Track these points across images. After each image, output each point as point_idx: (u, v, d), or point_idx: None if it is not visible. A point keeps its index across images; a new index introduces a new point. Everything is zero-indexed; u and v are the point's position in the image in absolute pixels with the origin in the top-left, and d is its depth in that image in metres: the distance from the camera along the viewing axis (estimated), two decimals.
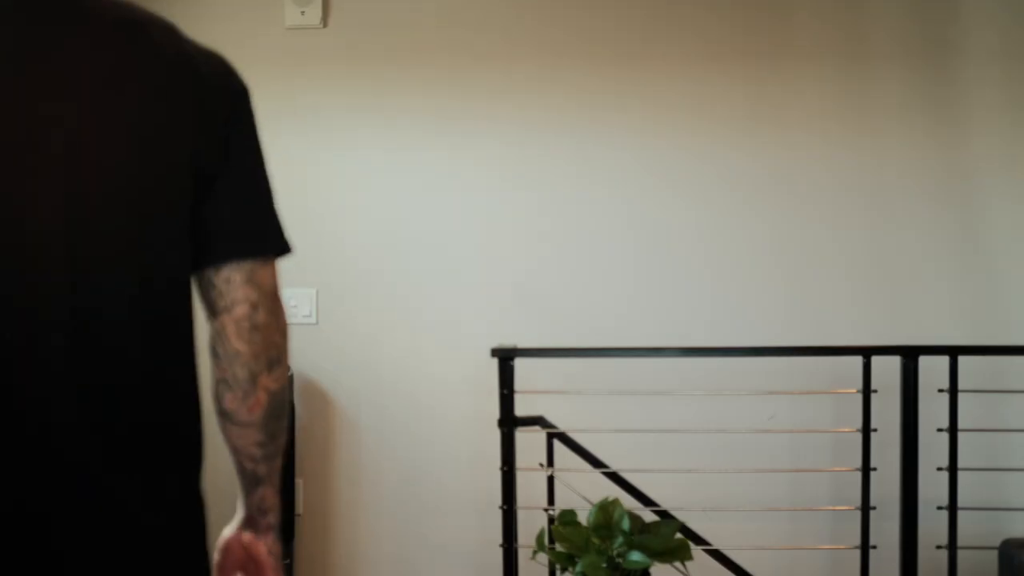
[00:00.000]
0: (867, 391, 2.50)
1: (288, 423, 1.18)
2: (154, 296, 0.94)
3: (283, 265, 3.04)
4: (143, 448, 0.93)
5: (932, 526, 2.57)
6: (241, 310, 1.05)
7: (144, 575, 0.93)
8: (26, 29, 0.89)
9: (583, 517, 2.46)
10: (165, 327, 0.95)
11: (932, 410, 2.44)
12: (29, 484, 0.86)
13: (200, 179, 0.97)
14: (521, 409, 2.59)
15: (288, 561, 2.83)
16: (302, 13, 3.00)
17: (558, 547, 2.44)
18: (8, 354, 0.85)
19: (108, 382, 0.90)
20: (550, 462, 2.67)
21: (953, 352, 2.50)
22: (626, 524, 2.39)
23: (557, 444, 2.68)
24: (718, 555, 2.68)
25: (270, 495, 1.22)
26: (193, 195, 0.97)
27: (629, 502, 2.58)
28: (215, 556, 1.15)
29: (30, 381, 0.86)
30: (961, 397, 2.50)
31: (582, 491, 2.64)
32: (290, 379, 1.39)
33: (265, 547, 1.19)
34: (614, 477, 2.69)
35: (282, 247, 1.21)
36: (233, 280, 1.06)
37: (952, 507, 2.50)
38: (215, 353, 1.03)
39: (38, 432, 0.86)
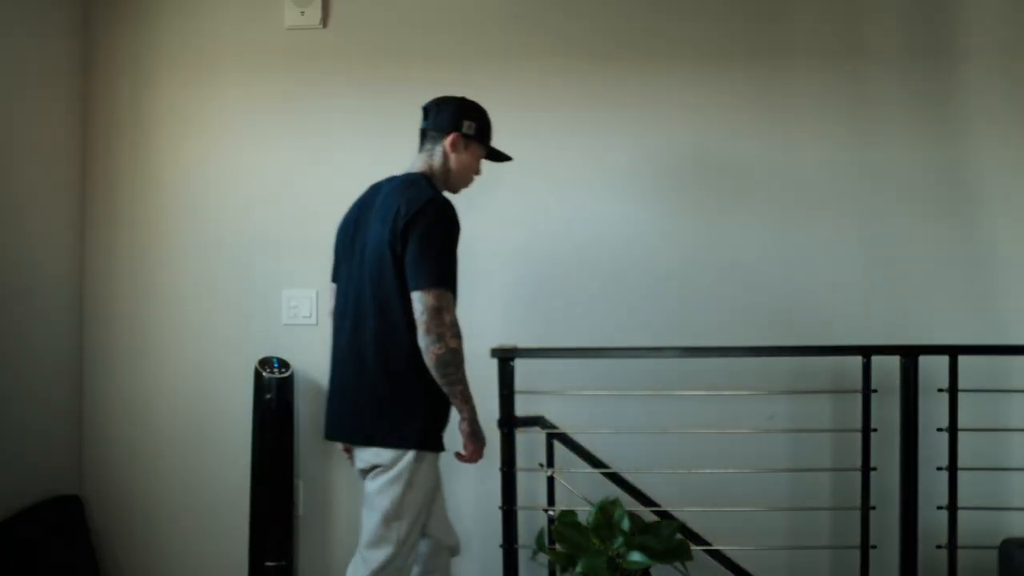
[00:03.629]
0: (867, 391, 2.50)
1: (455, 373, 2.19)
2: (388, 306, 2.22)
3: (284, 266, 3.07)
4: (390, 369, 2.21)
5: (932, 526, 2.57)
6: (418, 314, 2.16)
7: (391, 414, 2.22)
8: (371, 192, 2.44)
9: (583, 517, 2.46)
10: (394, 321, 2.21)
11: (932, 410, 2.45)
12: (360, 378, 2.24)
13: (397, 256, 2.20)
14: (521, 409, 2.59)
15: (286, 563, 2.83)
16: (302, 13, 3.00)
17: (558, 547, 2.44)
18: (360, 334, 2.24)
19: (380, 341, 2.21)
20: (550, 462, 2.67)
21: (953, 352, 2.50)
22: (626, 524, 2.39)
23: (557, 444, 2.68)
24: (718, 555, 2.68)
25: (457, 405, 2.23)
26: (398, 263, 2.21)
27: (629, 502, 2.58)
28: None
29: (365, 341, 2.23)
30: (961, 397, 2.50)
31: (582, 491, 2.64)
32: (452, 351, 2.17)
33: (464, 428, 2.26)
34: (614, 477, 2.69)
35: (429, 284, 2.16)
36: (414, 300, 2.17)
37: (952, 507, 2.51)
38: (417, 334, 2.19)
39: (366, 360, 2.23)
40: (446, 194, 2.36)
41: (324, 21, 3.01)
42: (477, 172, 2.46)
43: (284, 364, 2.89)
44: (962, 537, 2.53)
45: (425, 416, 2.22)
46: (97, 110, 3.04)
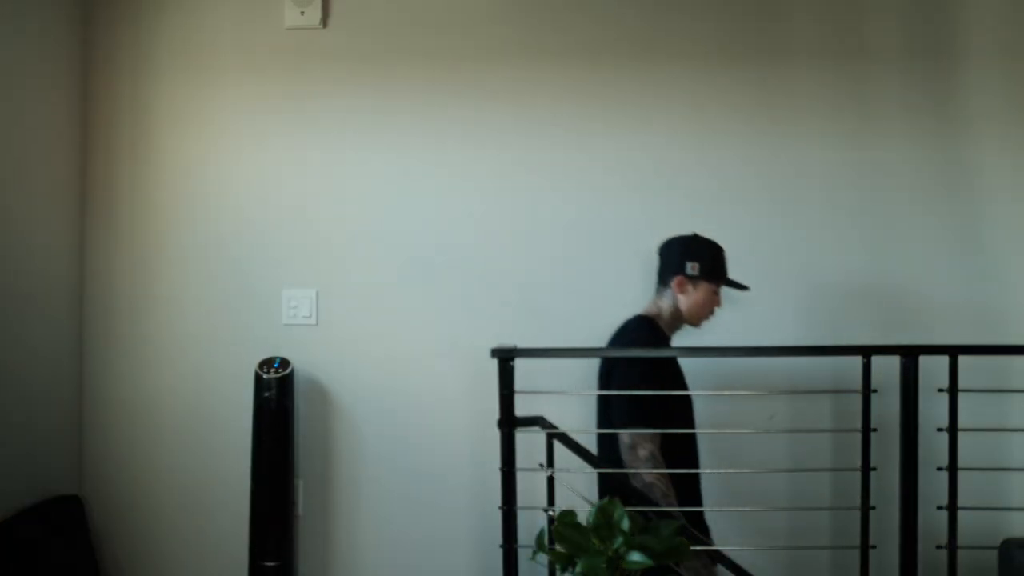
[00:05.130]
0: (867, 391, 2.49)
1: (659, 502, 2.27)
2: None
3: (284, 267, 3.06)
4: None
5: (932, 526, 2.57)
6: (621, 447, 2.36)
7: None
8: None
9: (583, 517, 2.46)
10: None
11: (932, 410, 2.44)
12: None
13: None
14: (521, 409, 2.59)
15: (286, 563, 2.83)
16: (302, 13, 3.00)
17: (558, 547, 2.44)
18: None
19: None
20: (550, 462, 2.67)
21: (953, 352, 2.50)
22: (626, 524, 2.39)
23: (557, 444, 2.68)
24: (718, 555, 2.68)
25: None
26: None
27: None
28: None
29: None
30: (961, 397, 2.50)
31: (582, 491, 2.64)
32: (648, 484, 2.25)
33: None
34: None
35: (623, 422, 2.31)
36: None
37: (952, 507, 2.50)
38: None
39: None
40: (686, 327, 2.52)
41: (324, 21, 3.01)
42: (716, 305, 2.52)
43: (284, 364, 2.89)
44: (962, 537, 2.52)
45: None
46: (97, 110, 3.04)
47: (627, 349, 2.53)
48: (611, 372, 2.45)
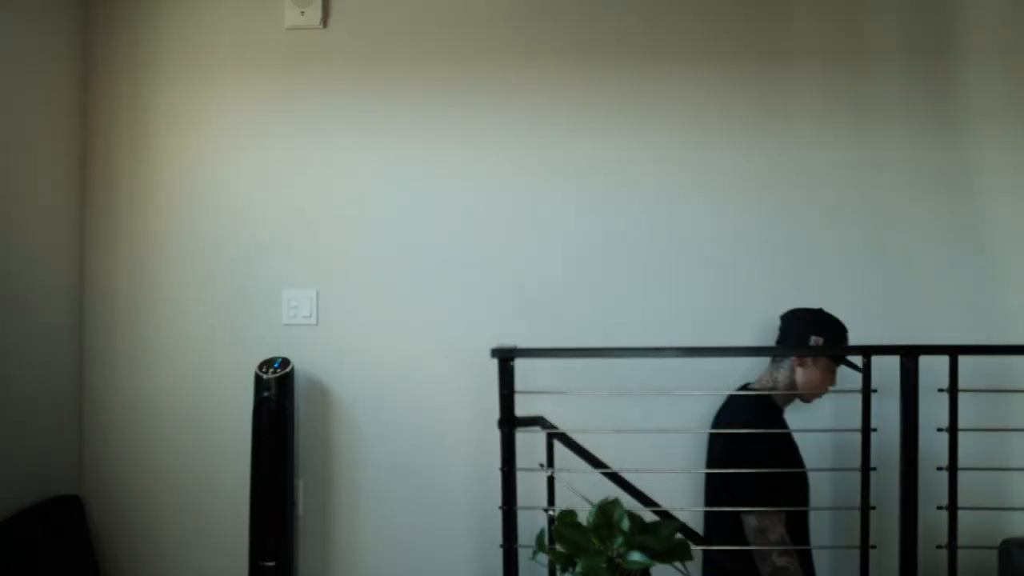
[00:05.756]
0: (867, 391, 2.49)
1: None
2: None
3: (284, 267, 3.06)
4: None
5: (932, 526, 2.57)
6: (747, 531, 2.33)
7: None
8: None
9: (583, 517, 2.46)
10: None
11: (932, 410, 2.44)
12: None
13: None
14: (521, 409, 2.59)
15: (286, 563, 2.83)
16: (302, 13, 3.00)
17: (558, 547, 2.44)
18: None
19: None
20: (550, 462, 2.67)
21: (953, 352, 2.50)
22: (626, 524, 2.38)
23: (557, 444, 2.68)
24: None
25: None
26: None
27: (629, 502, 2.58)
28: None
29: None
30: (961, 397, 2.50)
31: (582, 491, 2.64)
32: (779, 569, 2.16)
33: None
34: (614, 477, 2.68)
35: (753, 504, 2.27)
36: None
37: (952, 507, 2.50)
38: None
39: None
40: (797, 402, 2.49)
41: (324, 21, 3.01)
42: (831, 383, 2.50)
43: (285, 364, 2.89)
44: (962, 537, 2.52)
45: None
46: (97, 110, 3.04)
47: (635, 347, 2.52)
48: (729, 453, 2.38)
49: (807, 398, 2.54)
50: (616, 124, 2.96)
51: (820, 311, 2.54)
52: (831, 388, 2.55)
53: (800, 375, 2.46)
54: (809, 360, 2.45)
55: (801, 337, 2.45)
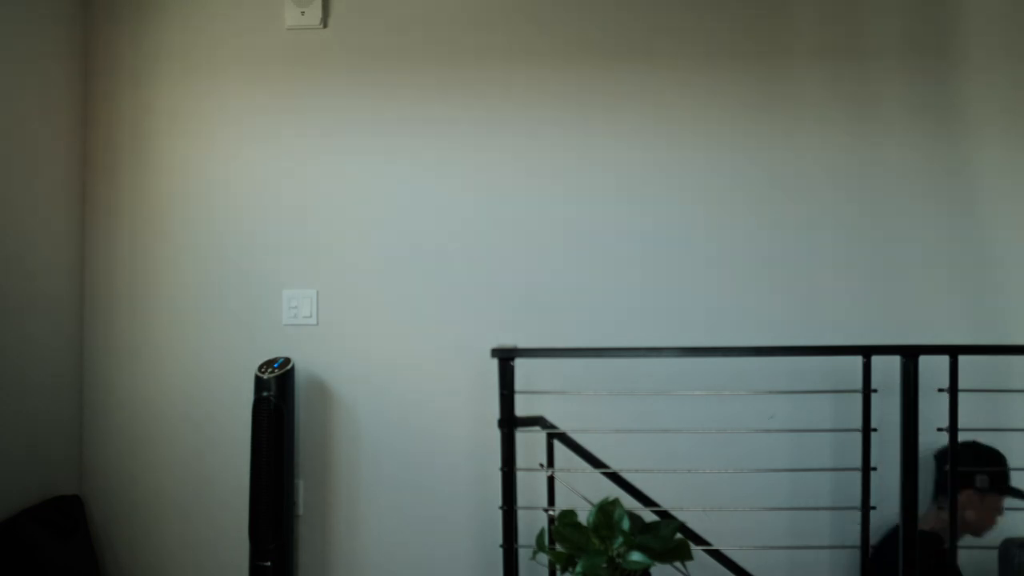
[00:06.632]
0: (867, 391, 2.50)
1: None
2: None
3: (284, 267, 3.06)
4: None
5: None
6: None
7: None
8: None
9: (583, 517, 2.46)
10: None
11: (932, 410, 2.44)
12: None
13: None
14: (521, 409, 2.59)
15: (286, 563, 2.83)
16: (302, 13, 3.00)
17: (558, 547, 2.44)
18: None
19: None
20: (550, 462, 2.67)
21: (953, 352, 2.50)
22: (626, 524, 2.39)
23: (557, 444, 2.68)
24: (718, 555, 2.68)
25: None
26: None
27: (629, 502, 2.58)
28: None
29: None
30: (961, 397, 2.50)
31: (582, 491, 2.64)
32: None
33: None
34: (614, 477, 2.69)
35: None
36: None
37: (952, 506, 2.50)
38: None
39: None
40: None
41: (324, 21, 3.01)
42: (1000, 514, 2.49)
43: (285, 364, 2.88)
44: (962, 537, 2.52)
45: None
46: (97, 110, 3.04)
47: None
48: None
49: (979, 532, 2.52)
50: (617, 124, 2.96)
51: (975, 443, 2.50)
52: (999, 518, 2.54)
53: (971, 514, 2.47)
54: (976, 499, 2.45)
55: (966, 476, 2.43)
